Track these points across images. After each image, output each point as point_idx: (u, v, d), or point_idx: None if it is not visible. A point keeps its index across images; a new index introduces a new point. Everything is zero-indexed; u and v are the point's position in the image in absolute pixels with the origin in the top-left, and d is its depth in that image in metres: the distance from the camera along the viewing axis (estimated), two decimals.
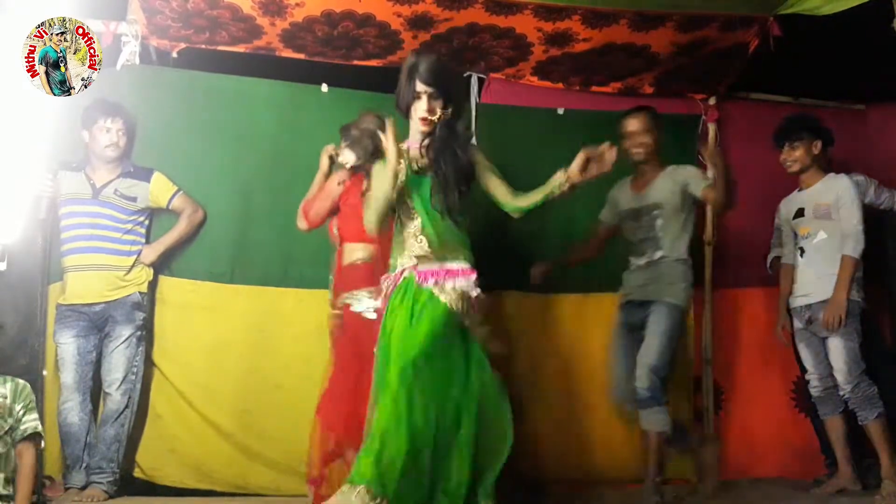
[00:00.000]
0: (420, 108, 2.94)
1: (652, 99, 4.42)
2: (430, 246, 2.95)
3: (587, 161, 2.91)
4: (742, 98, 4.54)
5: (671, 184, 3.63)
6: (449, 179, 2.95)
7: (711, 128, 4.48)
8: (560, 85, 4.34)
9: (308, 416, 3.79)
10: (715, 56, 4.08)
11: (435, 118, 2.95)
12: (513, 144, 4.25)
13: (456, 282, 2.92)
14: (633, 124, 3.70)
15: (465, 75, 4.23)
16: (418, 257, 2.96)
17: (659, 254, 3.63)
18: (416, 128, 2.99)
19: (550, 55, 4.04)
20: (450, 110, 2.99)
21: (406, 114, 3.00)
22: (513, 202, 3.04)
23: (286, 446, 3.79)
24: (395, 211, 3.01)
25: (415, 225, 2.98)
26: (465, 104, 2.91)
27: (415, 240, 2.97)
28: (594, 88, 4.38)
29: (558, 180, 2.94)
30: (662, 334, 3.50)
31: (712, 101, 4.47)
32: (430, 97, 2.92)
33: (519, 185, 4.21)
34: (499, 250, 3.96)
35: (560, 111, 4.33)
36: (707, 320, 4.39)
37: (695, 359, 4.37)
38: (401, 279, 2.97)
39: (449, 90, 2.99)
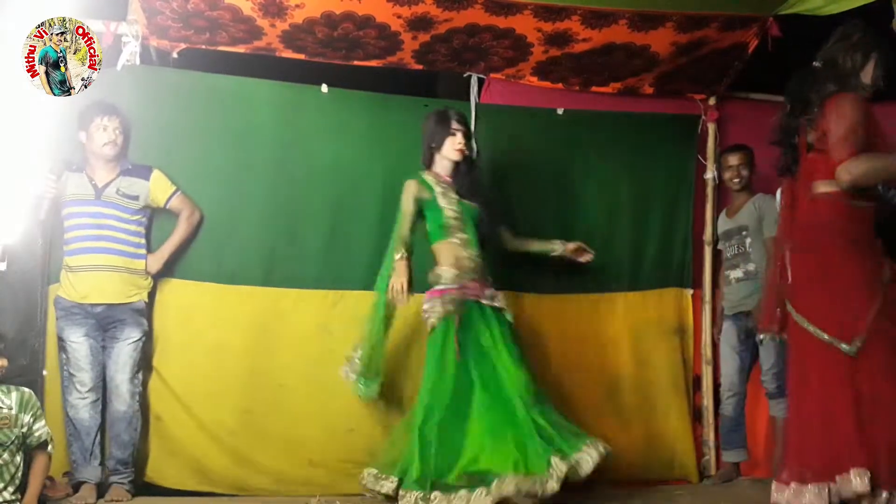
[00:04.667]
0: (456, 142, 3.63)
1: (652, 99, 4.43)
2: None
3: (578, 248, 3.93)
4: (742, 98, 4.53)
5: (756, 211, 4.10)
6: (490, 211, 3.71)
7: (711, 128, 4.48)
8: (560, 85, 4.34)
9: (310, 416, 3.81)
10: (715, 56, 4.08)
11: (466, 151, 3.67)
12: (513, 144, 4.26)
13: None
14: (734, 159, 4.20)
15: (464, 75, 4.24)
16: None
17: (752, 266, 4.07)
18: (450, 158, 3.64)
19: (550, 55, 4.04)
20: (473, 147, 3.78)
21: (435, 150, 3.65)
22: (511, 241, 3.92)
23: (288, 447, 3.79)
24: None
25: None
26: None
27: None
28: (594, 88, 4.38)
29: (555, 247, 3.93)
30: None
31: (712, 101, 4.46)
32: (463, 135, 3.65)
33: (519, 185, 4.25)
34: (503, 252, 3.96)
35: (560, 111, 4.33)
36: (707, 320, 4.39)
37: (694, 359, 4.38)
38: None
39: (470, 131, 3.82)
